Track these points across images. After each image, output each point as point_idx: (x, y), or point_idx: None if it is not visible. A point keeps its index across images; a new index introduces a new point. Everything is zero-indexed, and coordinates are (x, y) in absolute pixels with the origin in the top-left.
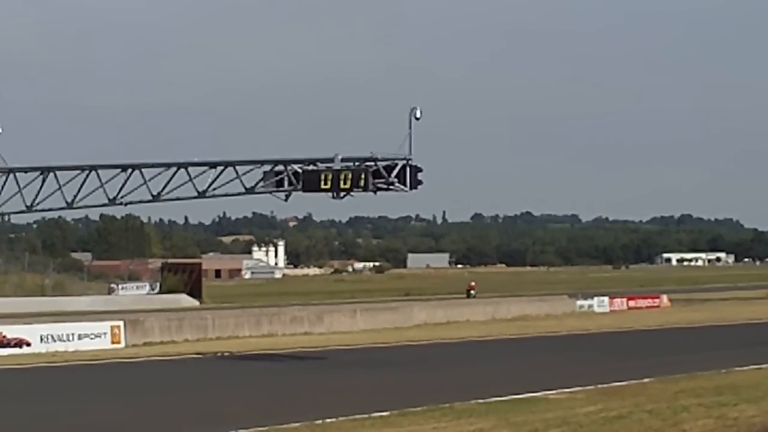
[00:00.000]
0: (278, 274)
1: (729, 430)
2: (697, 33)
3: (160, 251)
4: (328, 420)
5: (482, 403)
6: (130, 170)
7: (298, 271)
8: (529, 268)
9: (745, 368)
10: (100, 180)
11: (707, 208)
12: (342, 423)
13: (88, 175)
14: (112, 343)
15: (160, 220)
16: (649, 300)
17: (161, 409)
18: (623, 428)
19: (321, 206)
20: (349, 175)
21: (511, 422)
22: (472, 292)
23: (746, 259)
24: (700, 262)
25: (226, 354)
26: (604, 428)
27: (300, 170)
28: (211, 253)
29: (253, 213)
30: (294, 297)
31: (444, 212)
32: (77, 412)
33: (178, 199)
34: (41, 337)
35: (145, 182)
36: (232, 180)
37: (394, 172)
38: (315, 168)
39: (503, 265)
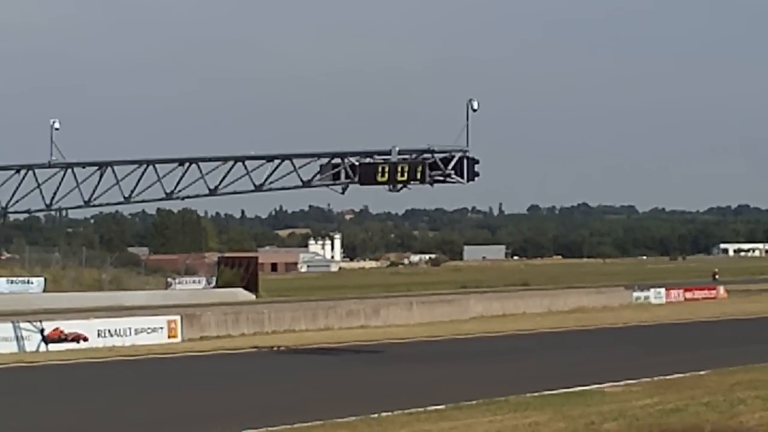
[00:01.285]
0: (334, 268)
1: None
2: (755, 17)
3: (217, 245)
4: (383, 414)
5: (537, 396)
6: (187, 164)
7: (354, 264)
8: (585, 260)
9: None
10: (157, 174)
11: (765, 198)
12: (397, 417)
13: (145, 170)
14: (169, 337)
15: (217, 213)
16: (706, 291)
17: (214, 403)
18: (680, 421)
19: (377, 199)
20: (406, 168)
21: (567, 415)
22: (716, 276)
23: None
24: (757, 253)
25: (282, 348)
26: (661, 421)
27: (357, 163)
28: (268, 247)
29: (310, 206)
30: (350, 290)
31: (500, 204)
32: (131, 406)
33: (235, 192)
34: (98, 331)
35: (202, 176)
36: (289, 173)
37: (451, 164)
38: (372, 161)
39: (560, 257)
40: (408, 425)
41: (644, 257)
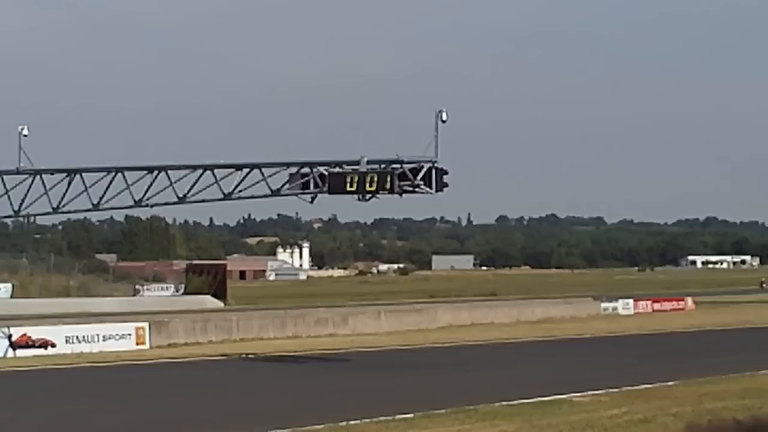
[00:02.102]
0: (303, 276)
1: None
2: (726, 32)
3: (185, 252)
4: (352, 422)
5: (507, 405)
6: (156, 172)
7: (323, 273)
8: (553, 271)
9: None
10: (126, 182)
11: (732, 210)
12: (366, 425)
13: (114, 177)
14: (137, 344)
15: (185, 221)
16: (674, 302)
17: (184, 411)
18: None
19: (346, 208)
20: (375, 178)
21: (536, 425)
22: (764, 285)
23: None
24: (725, 265)
25: (250, 356)
26: (629, 431)
27: (326, 172)
28: (236, 255)
29: (278, 214)
30: (318, 299)
31: (469, 214)
32: (100, 413)
33: (203, 201)
34: (66, 338)
35: (171, 184)
36: (258, 182)
37: (420, 175)
38: (341, 170)
39: (528, 268)
40: None
41: (612, 268)
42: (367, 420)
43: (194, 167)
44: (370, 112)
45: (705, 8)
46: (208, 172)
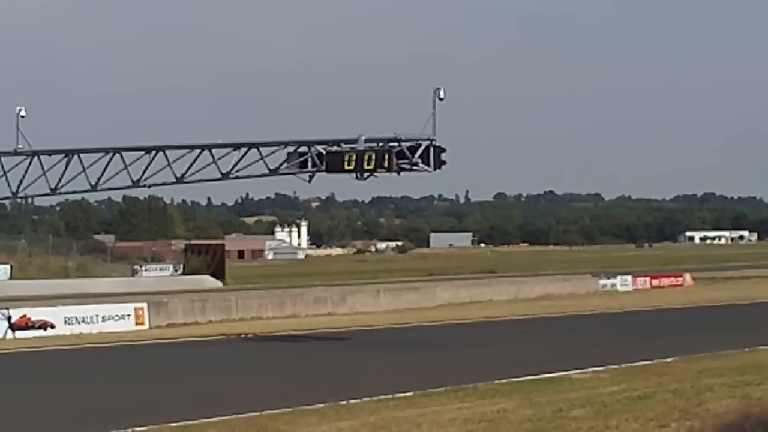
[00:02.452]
0: (301, 255)
1: (753, 409)
2: (722, 9)
3: (183, 232)
4: (352, 401)
5: (505, 383)
6: (153, 152)
7: (321, 252)
8: (552, 248)
9: None
10: (124, 162)
11: (730, 186)
12: (366, 404)
13: (112, 158)
14: (136, 324)
15: (183, 201)
16: (672, 279)
17: (183, 391)
18: (648, 408)
19: (343, 186)
20: (373, 156)
21: (535, 402)
22: None
23: None
24: (723, 241)
25: (249, 335)
26: (629, 408)
27: (324, 151)
28: (234, 234)
29: (276, 194)
30: (317, 277)
31: (467, 192)
32: (100, 394)
33: (201, 180)
34: (65, 319)
35: (169, 164)
36: (255, 161)
37: (418, 153)
38: (339, 149)
39: (526, 245)
40: (376, 412)
41: (610, 245)
42: (367, 398)
43: (192, 147)
44: (368, 90)
45: None
46: (206, 151)
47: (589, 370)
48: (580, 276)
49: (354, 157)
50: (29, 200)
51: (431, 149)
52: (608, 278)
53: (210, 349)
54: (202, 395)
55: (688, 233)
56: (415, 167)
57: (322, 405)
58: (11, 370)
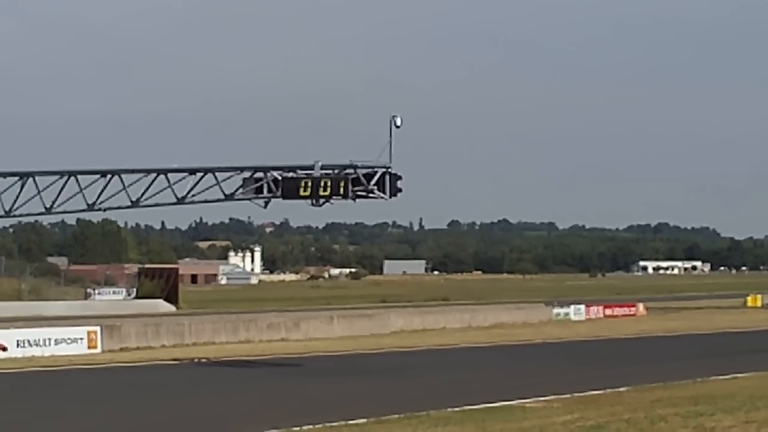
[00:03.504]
0: (254, 280)
1: None
2: (674, 47)
3: (137, 256)
4: (305, 427)
5: (459, 411)
6: (109, 176)
7: (275, 277)
8: (505, 276)
9: (721, 378)
10: (79, 185)
11: (684, 216)
12: (319, 431)
13: (67, 181)
14: (89, 348)
15: (137, 224)
16: (626, 308)
17: (134, 415)
18: None
19: (298, 212)
20: (329, 183)
21: (488, 431)
22: None
23: (722, 268)
24: (676, 271)
25: (203, 360)
26: None
27: (279, 177)
28: (188, 259)
29: (230, 218)
30: (270, 303)
31: (421, 219)
32: (52, 418)
33: (157, 205)
34: (18, 341)
35: (125, 188)
36: (211, 186)
37: (374, 180)
38: (294, 175)
39: (480, 273)
40: None
41: (564, 274)
42: (319, 425)
43: (148, 171)
44: (325, 117)
45: (657, 18)
46: (162, 176)
47: (542, 398)
48: (534, 305)
49: (310, 184)
50: None
51: (387, 177)
52: (561, 307)
53: (163, 374)
54: (154, 420)
55: (642, 263)
56: (370, 194)
57: (275, 431)
58: None
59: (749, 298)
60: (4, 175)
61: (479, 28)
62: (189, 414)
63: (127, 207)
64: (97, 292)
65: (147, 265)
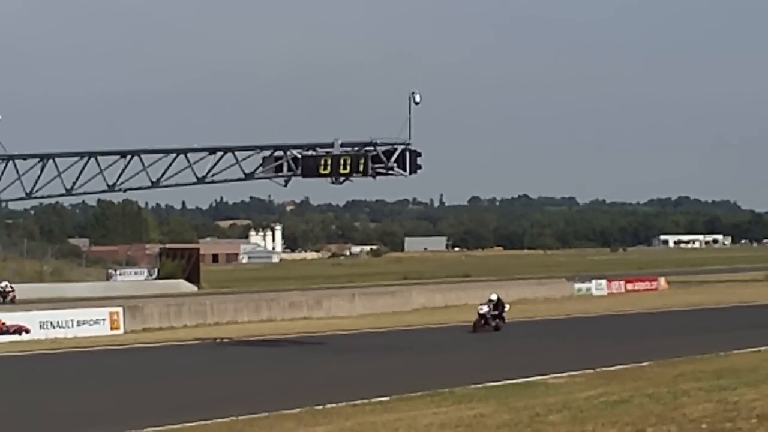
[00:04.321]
0: (275, 259)
1: (730, 414)
2: (695, 19)
3: (158, 236)
4: (328, 405)
5: (482, 387)
6: (129, 157)
7: (296, 256)
8: (526, 251)
9: (744, 351)
10: (99, 166)
11: (704, 190)
12: (342, 408)
13: (87, 162)
14: (112, 329)
15: (157, 205)
16: (647, 283)
17: (159, 395)
18: (624, 413)
19: (318, 190)
20: (349, 160)
21: (512, 407)
22: None
23: (743, 241)
24: (697, 244)
25: (225, 340)
26: (605, 413)
27: (299, 156)
28: (209, 238)
29: (251, 197)
30: (292, 282)
31: (441, 195)
32: (75, 399)
33: (177, 185)
34: (41, 323)
35: (144, 168)
36: (231, 166)
37: (394, 157)
38: (314, 153)
39: (500, 248)
40: (353, 417)
41: (585, 249)
42: (344, 403)
43: (167, 151)
44: (344, 95)
45: None
46: (182, 156)
47: (565, 374)
48: (555, 280)
49: (330, 162)
50: (3, 204)
51: (407, 153)
52: (583, 282)
53: (185, 354)
54: (179, 400)
55: (663, 237)
56: (390, 171)
57: (298, 410)
58: None
59: None
60: (25, 157)
61: (499, 3)
62: (214, 394)
63: (148, 187)
64: (118, 272)
65: (168, 245)
